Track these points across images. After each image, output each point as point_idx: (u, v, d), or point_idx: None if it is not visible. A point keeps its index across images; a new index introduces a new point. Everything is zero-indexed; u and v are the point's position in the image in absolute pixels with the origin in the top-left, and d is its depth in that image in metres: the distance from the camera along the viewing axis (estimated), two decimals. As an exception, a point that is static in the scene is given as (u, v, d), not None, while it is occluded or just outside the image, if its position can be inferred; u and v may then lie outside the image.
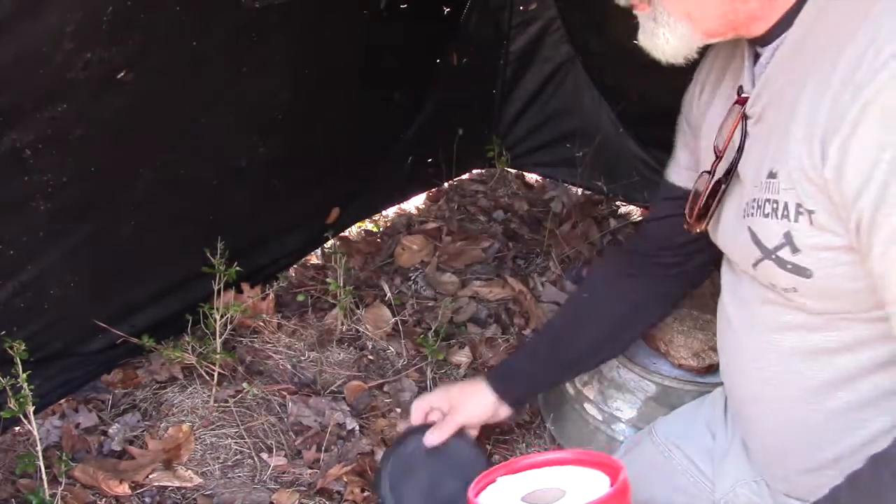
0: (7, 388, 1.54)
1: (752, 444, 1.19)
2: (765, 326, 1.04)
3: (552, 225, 2.74)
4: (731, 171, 1.04)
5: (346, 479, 1.79)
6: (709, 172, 1.08)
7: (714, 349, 1.70)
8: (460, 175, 3.06)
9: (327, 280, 2.32)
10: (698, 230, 1.11)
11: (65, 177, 1.59)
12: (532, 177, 3.16)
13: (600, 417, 1.77)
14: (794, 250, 0.92)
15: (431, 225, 2.77)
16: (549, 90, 2.93)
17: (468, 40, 2.73)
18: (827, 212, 0.87)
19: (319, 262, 2.57)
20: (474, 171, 3.13)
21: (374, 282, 2.47)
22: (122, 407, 1.95)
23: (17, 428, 1.81)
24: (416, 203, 2.94)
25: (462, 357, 2.20)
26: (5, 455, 1.77)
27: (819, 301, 0.95)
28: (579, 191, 2.99)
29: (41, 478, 1.66)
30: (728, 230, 1.08)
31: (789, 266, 0.93)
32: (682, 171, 1.31)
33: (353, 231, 2.73)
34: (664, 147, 2.77)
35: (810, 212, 0.89)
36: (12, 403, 1.55)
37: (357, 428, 1.95)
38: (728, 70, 1.16)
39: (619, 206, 2.95)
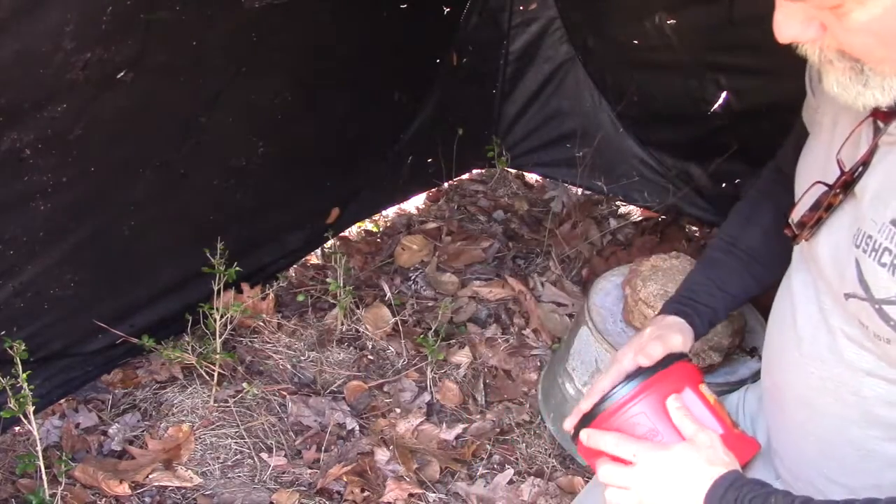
0: (7, 388, 1.54)
1: (782, 439, 1.13)
2: (840, 334, 0.95)
3: (552, 225, 2.74)
4: (850, 186, 0.92)
5: (346, 479, 1.80)
6: (827, 186, 0.95)
7: (714, 349, 1.70)
8: (460, 175, 3.06)
9: (327, 280, 2.33)
10: (803, 240, 1.00)
11: (65, 177, 1.59)
12: (532, 177, 3.16)
13: (600, 417, 1.77)
14: None
15: (431, 225, 2.77)
16: (549, 90, 2.93)
17: (468, 40, 2.73)
18: None
19: (319, 262, 2.57)
20: (474, 171, 3.13)
21: (374, 282, 2.47)
22: (122, 407, 1.95)
23: (17, 428, 1.82)
24: (416, 203, 2.94)
25: (462, 357, 2.20)
26: (5, 455, 1.77)
27: None
28: (579, 191, 2.99)
29: (41, 478, 1.66)
30: (828, 244, 0.96)
31: (892, 322, 0.86)
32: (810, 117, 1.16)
33: (353, 231, 2.73)
34: (664, 147, 2.82)
35: None
36: (12, 403, 1.55)
37: (357, 428, 1.95)
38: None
39: (619, 206, 2.95)
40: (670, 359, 1.06)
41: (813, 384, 1.00)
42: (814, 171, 1.01)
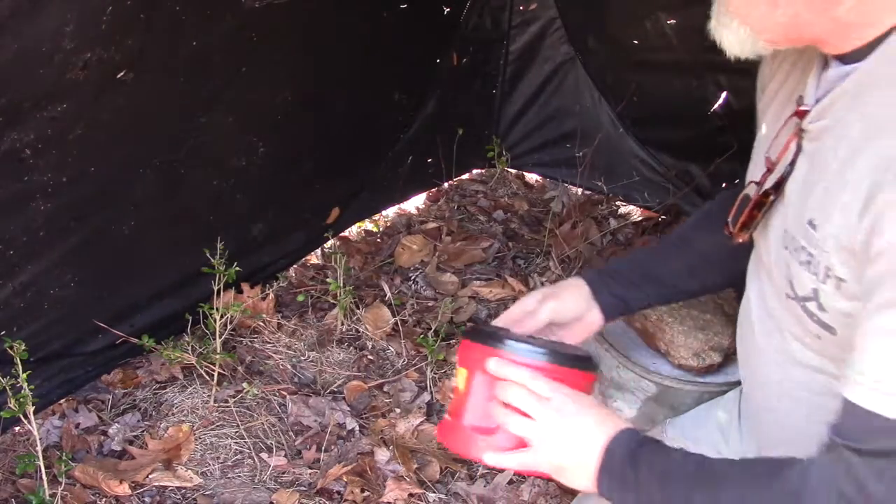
0: (7, 388, 1.54)
1: (763, 445, 1.17)
2: (788, 335, 0.98)
3: (552, 225, 2.74)
4: (781, 185, 0.95)
5: (346, 479, 1.79)
6: (757, 183, 0.99)
7: (714, 349, 1.70)
8: (460, 175, 3.06)
9: (327, 280, 2.32)
10: (740, 240, 1.03)
11: (65, 177, 1.59)
12: (532, 177, 3.16)
13: (600, 417, 1.77)
14: (820, 308, 0.87)
15: (431, 225, 2.77)
16: (549, 90, 2.93)
17: (468, 40, 2.73)
18: (857, 280, 0.81)
19: (319, 262, 2.57)
20: (474, 171, 3.13)
21: (374, 282, 2.47)
22: (122, 407, 1.95)
23: (17, 428, 1.81)
24: (416, 203, 2.94)
25: (462, 357, 2.20)
26: (5, 455, 1.77)
27: (842, 352, 0.89)
28: (579, 191, 2.99)
29: (41, 478, 1.66)
30: (772, 248, 0.99)
31: (815, 318, 0.89)
32: None
33: (353, 231, 2.73)
34: (664, 147, 2.82)
35: (840, 279, 0.83)
36: (12, 403, 1.55)
37: (357, 428, 1.95)
38: (799, 64, 1.01)
39: (619, 206, 2.95)
40: (590, 363, 1.06)
41: (774, 390, 1.03)
42: (754, 171, 1.04)
